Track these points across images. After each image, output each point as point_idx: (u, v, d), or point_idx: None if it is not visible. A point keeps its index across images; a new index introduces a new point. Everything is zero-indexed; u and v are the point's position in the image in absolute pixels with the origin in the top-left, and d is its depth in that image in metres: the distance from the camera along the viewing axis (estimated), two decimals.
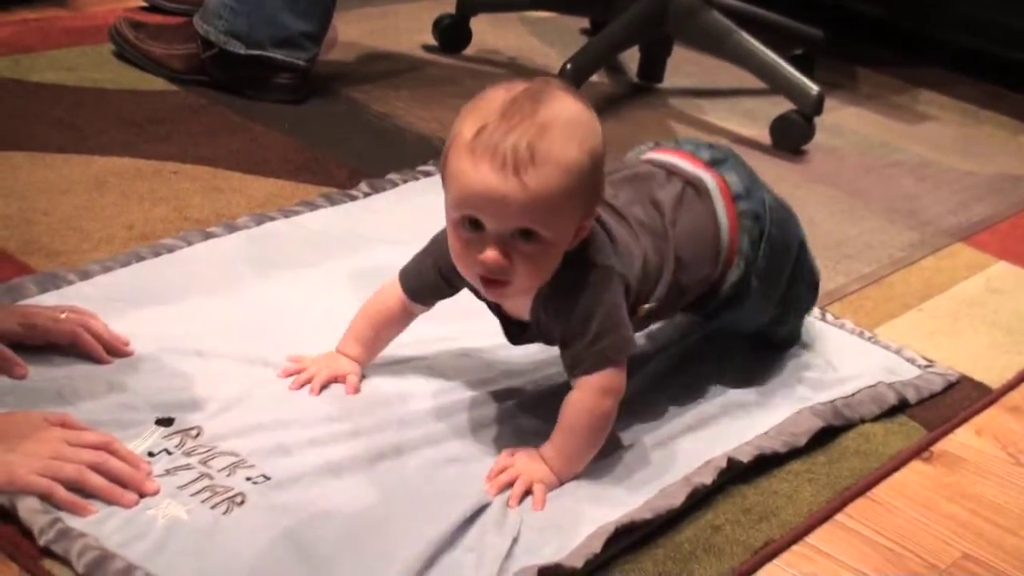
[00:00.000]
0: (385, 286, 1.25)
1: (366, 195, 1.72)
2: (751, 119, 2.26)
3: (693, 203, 1.24)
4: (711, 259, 1.24)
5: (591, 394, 1.12)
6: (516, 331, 1.20)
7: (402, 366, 1.30)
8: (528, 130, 1.01)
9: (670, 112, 2.27)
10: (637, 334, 1.20)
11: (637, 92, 2.36)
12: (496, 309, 1.19)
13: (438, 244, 1.18)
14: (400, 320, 1.26)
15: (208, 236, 1.52)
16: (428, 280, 1.21)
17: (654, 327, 1.38)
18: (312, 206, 1.65)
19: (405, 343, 1.31)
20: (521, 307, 1.15)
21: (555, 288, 1.10)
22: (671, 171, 1.26)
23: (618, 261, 1.13)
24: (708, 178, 1.26)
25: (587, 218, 1.08)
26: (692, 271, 1.23)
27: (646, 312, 1.19)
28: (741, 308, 1.29)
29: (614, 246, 1.14)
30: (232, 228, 1.55)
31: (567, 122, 1.03)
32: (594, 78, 2.25)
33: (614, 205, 1.18)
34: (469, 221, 1.04)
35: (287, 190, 1.70)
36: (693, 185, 1.25)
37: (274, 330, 1.33)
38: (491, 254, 1.04)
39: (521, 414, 1.24)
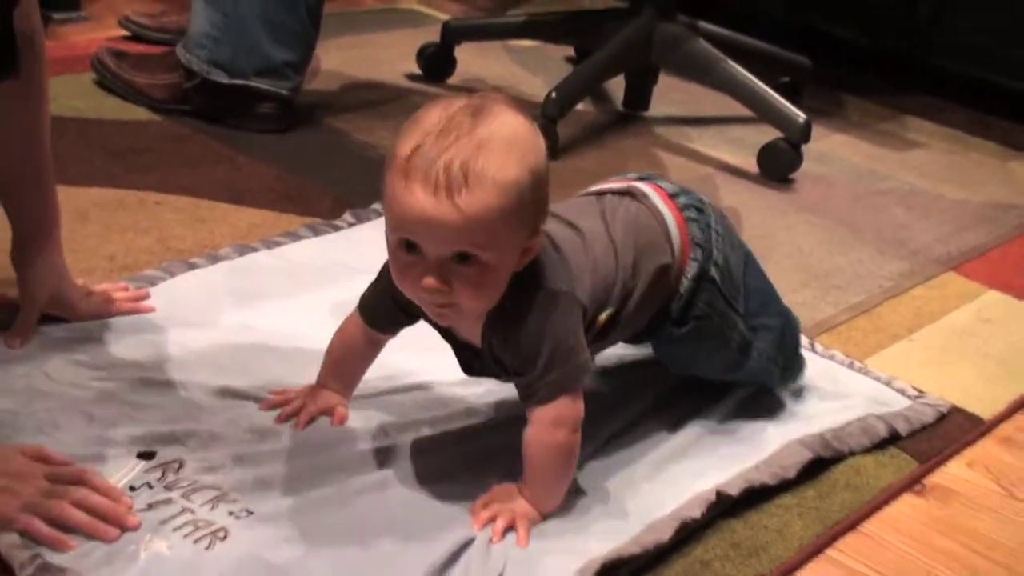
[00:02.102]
0: (348, 317, 1.24)
1: (350, 225, 1.72)
2: (738, 147, 2.27)
3: (630, 204, 1.23)
4: (664, 245, 1.22)
5: (546, 428, 1.11)
6: (471, 359, 1.17)
7: (384, 399, 1.30)
8: (463, 148, 0.98)
9: (656, 140, 2.28)
10: (615, 351, 1.16)
11: (622, 121, 2.37)
12: (448, 335, 1.17)
13: (389, 279, 1.17)
14: (368, 350, 1.25)
15: (191, 267, 1.53)
16: (384, 309, 1.19)
17: (626, 351, 1.37)
18: (295, 237, 1.66)
19: (387, 376, 1.31)
20: (473, 332, 1.13)
21: (502, 314, 1.08)
22: (599, 193, 1.26)
23: (568, 281, 1.11)
24: (639, 185, 1.26)
25: (533, 237, 1.05)
26: (647, 256, 1.20)
27: (606, 318, 1.16)
28: (708, 309, 1.25)
29: (564, 263, 1.12)
30: (215, 259, 1.56)
31: (506, 139, 0.99)
32: (579, 107, 2.26)
33: (559, 214, 1.16)
34: (406, 244, 1.02)
35: (270, 220, 1.71)
36: (626, 194, 1.25)
37: (257, 363, 1.33)
38: (429, 281, 1.01)
39: (504, 447, 1.22)
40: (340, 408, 1.25)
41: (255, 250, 1.60)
